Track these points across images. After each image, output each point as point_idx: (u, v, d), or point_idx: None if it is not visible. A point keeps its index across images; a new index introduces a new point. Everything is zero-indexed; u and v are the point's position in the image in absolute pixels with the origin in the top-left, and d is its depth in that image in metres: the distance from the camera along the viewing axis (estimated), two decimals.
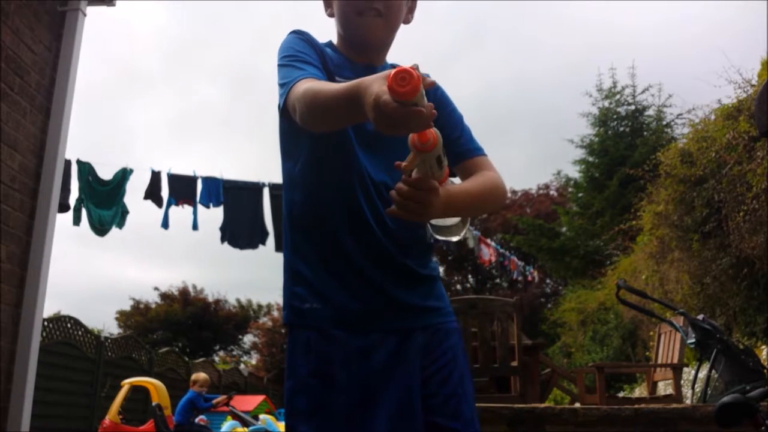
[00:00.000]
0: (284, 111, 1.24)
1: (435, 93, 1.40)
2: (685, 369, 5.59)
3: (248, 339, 29.23)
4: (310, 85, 1.15)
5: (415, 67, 0.88)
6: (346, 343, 1.25)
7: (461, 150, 1.38)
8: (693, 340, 3.32)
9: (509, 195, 23.00)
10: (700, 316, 3.37)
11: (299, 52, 1.31)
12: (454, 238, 1.26)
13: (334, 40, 1.46)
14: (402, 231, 1.30)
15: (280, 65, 1.31)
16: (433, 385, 1.28)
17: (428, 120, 0.91)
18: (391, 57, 1.49)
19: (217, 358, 26.75)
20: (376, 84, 0.93)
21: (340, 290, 1.28)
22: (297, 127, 1.24)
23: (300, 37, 1.36)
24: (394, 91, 0.87)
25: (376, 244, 1.29)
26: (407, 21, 1.44)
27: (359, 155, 1.29)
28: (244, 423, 8.57)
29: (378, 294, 1.28)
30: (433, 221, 1.25)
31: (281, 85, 1.27)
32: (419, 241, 1.35)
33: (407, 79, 0.86)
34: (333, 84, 1.14)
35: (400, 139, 1.04)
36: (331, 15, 1.44)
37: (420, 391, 1.26)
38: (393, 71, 0.88)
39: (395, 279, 1.30)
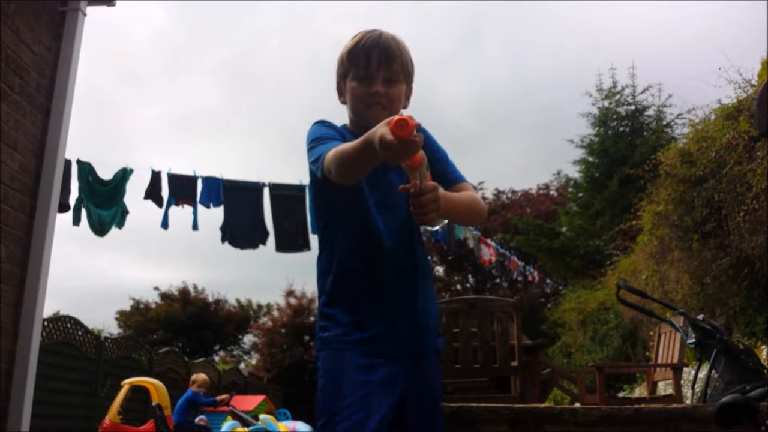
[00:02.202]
0: (323, 177, 1.56)
1: (426, 136, 1.74)
2: (685, 369, 5.58)
3: (248, 339, 29.21)
4: (336, 148, 1.50)
5: (411, 117, 1.25)
6: (355, 361, 1.58)
7: (448, 179, 1.73)
8: (693, 340, 3.32)
9: (509, 195, 22.95)
10: (700, 316, 3.38)
11: (324, 134, 1.65)
12: (436, 227, 1.61)
13: (347, 122, 1.80)
14: (410, 268, 1.67)
15: (310, 149, 1.64)
16: (414, 414, 1.62)
17: (420, 147, 1.28)
18: None
19: (217, 358, 26.74)
20: (380, 129, 1.29)
21: (357, 321, 1.61)
22: (332, 196, 1.64)
23: (323, 124, 1.72)
24: (396, 134, 1.24)
25: (390, 285, 1.64)
26: (405, 106, 1.77)
27: (373, 214, 1.65)
28: (244, 423, 8.57)
29: (384, 324, 1.62)
30: None
31: (315, 161, 1.60)
32: (423, 278, 1.71)
33: (404, 126, 1.24)
34: (352, 141, 1.46)
35: (396, 196, 1.56)
36: (343, 102, 1.77)
37: (398, 412, 1.58)
38: (394, 119, 1.25)
39: (402, 313, 1.64)
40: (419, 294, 1.69)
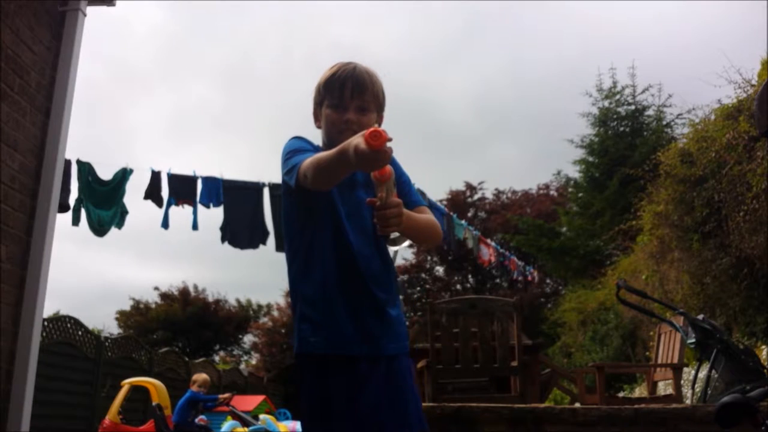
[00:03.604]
0: (297, 184, 1.68)
1: (393, 161, 1.86)
2: (685, 369, 5.58)
3: (248, 339, 29.24)
4: (313, 156, 1.64)
5: (384, 130, 1.39)
6: (338, 365, 1.68)
7: (410, 200, 1.87)
8: (693, 340, 3.32)
9: (509, 195, 22.91)
10: (700, 316, 3.38)
11: (300, 147, 1.80)
12: (400, 246, 1.83)
13: (321, 143, 1.93)
14: (380, 275, 1.77)
15: (284, 161, 1.77)
16: (389, 410, 1.72)
17: (389, 158, 1.42)
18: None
19: (217, 358, 26.75)
20: (355, 139, 1.43)
21: (335, 324, 1.71)
22: (307, 205, 1.75)
23: (300, 139, 1.86)
24: (370, 144, 1.37)
25: (364, 290, 1.74)
26: None
27: (346, 225, 1.77)
28: (244, 423, 8.57)
29: (361, 326, 1.72)
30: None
31: (289, 170, 1.72)
32: (392, 285, 1.84)
33: (377, 137, 1.37)
34: (329, 150, 1.58)
35: (364, 210, 1.73)
36: (319, 127, 1.91)
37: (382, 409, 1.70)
38: (369, 130, 1.38)
39: (376, 316, 1.75)
40: (392, 299, 1.81)
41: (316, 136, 1.92)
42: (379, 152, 1.38)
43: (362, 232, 1.77)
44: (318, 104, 1.92)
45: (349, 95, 1.83)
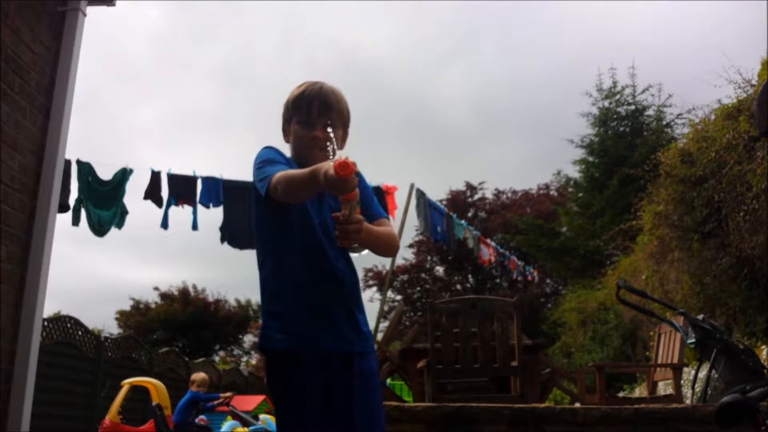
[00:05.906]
0: (267, 194, 1.78)
1: (359, 178, 1.95)
2: (685, 369, 5.58)
3: (248, 339, 29.21)
4: (286, 172, 1.75)
5: (353, 162, 1.53)
6: (310, 363, 1.79)
7: (372, 213, 2.00)
8: (693, 340, 3.31)
9: (509, 195, 22.91)
10: (700, 316, 3.37)
11: (272, 158, 1.91)
12: (359, 254, 1.91)
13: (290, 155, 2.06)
14: (347, 278, 1.90)
15: (257, 168, 1.89)
16: (362, 407, 1.82)
17: (354, 187, 1.56)
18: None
19: (217, 358, 26.72)
20: (325, 165, 1.56)
21: (306, 323, 1.82)
22: (282, 213, 1.86)
23: (271, 149, 1.97)
24: (338, 173, 1.50)
25: (334, 290, 1.86)
26: (341, 148, 2.04)
27: (318, 231, 1.90)
28: (244, 423, 8.57)
29: (332, 325, 1.83)
30: None
31: (262, 179, 1.82)
32: (358, 289, 1.98)
33: (345, 168, 1.50)
34: (301, 169, 1.72)
35: (331, 219, 1.78)
36: (287, 142, 2.05)
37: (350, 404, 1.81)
38: (339, 161, 1.50)
39: (345, 316, 1.87)
40: (358, 301, 1.94)
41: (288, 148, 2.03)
42: (346, 181, 1.53)
43: (329, 239, 1.87)
44: (287, 121, 2.04)
45: (316, 113, 1.95)
